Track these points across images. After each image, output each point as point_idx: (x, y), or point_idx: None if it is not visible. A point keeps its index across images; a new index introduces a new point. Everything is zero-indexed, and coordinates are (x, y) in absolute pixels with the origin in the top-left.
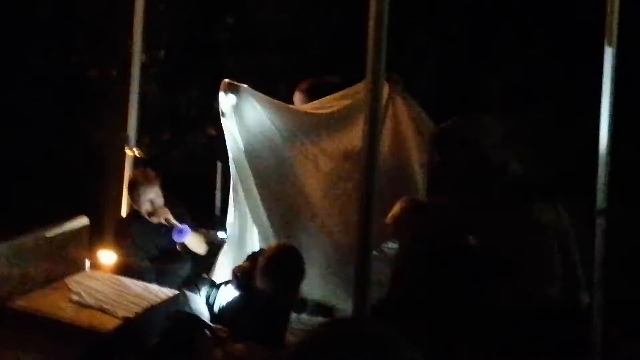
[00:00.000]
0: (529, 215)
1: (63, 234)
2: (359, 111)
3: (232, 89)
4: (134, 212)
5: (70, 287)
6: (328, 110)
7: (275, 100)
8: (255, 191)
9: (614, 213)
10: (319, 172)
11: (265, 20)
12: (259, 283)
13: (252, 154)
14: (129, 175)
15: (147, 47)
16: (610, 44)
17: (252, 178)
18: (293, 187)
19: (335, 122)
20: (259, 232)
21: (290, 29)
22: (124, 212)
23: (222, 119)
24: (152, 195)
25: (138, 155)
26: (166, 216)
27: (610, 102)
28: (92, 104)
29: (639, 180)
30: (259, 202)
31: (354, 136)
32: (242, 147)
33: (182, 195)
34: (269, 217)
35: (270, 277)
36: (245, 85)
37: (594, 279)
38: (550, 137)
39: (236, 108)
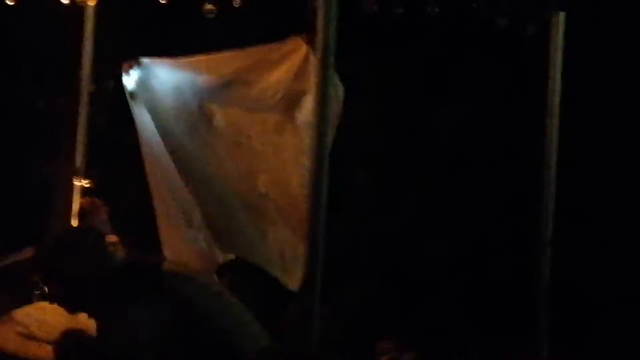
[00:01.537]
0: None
1: (9, 266)
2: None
3: (133, 65)
4: None
5: (18, 319)
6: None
7: (181, 61)
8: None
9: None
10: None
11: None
12: None
13: (168, 133)
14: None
15: (97, 77)
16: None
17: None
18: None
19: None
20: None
21: None
22: None
23: (132, 105)
24: (99, 223)
25: (86, 186)
26: (115, 242)
27: (556, 136)
28: (39, 134)
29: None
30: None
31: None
32: (156, 129)
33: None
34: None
35: None
36: (145, 59)
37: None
38: None
39: (141, 83)
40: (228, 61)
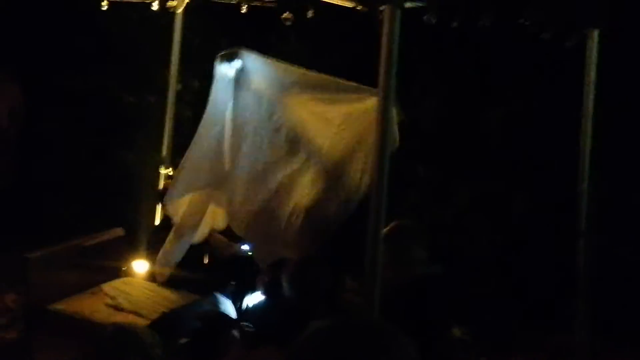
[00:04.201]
0: None
1: (100, 244)
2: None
3: (234, 55)
4: (164, 219)
5: (106, 292)
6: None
7: (275, 63)
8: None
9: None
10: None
11: (288, 54)
12: (286, 291)
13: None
14: None
15: (182, 76)
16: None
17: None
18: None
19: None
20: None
21: (308, 65)
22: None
23: (220, 91)
24: None
25: (171, 174)
26: None
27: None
28: (131, 127)
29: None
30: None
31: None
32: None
33: None
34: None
35: (296, 286)
36: (244, 50)
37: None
38: None
39: (243, 72)
40: (313, 80)
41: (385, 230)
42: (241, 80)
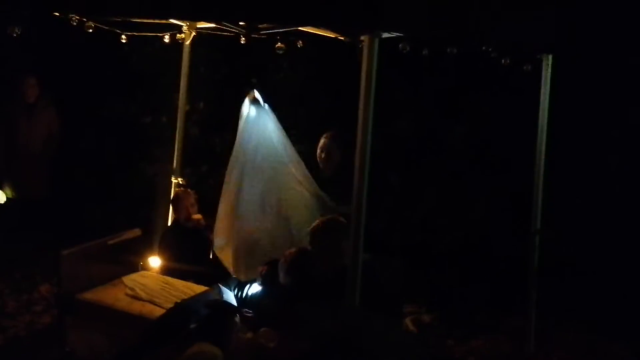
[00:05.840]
0: None
1: (121, 242)
2: None
3: (255, 102)
4: (174, 221)
5: (126, 283)
6: None
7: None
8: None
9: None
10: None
11: (280, 81)
12: (282, 279)
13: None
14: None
15: (190, 99)
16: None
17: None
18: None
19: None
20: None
21: (298, 88)
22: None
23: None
24: (189, 204)
25: (181, 183)
26: (199, 219)
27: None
28: (147, 143)
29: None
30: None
31: None
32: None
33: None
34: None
35: (290, 274)
36: (266, 106)
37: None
38: None
39: (253, 116)
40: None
41: (313, 225)
42: (255, 117)
